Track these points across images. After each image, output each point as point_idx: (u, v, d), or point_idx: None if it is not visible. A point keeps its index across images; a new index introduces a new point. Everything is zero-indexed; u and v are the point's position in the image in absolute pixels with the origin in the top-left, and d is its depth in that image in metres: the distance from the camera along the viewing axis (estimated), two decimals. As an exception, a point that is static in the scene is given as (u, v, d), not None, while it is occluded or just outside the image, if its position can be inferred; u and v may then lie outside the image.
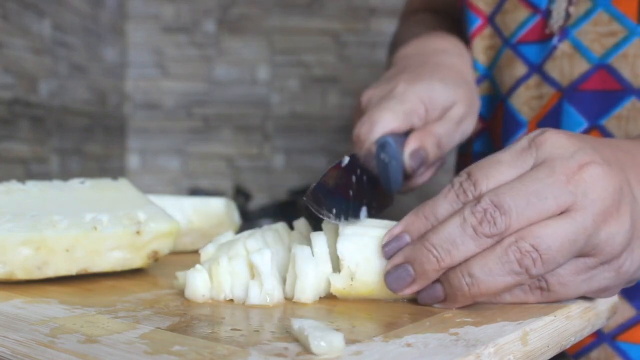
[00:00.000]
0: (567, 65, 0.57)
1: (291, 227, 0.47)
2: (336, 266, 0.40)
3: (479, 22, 0.64)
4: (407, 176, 0.54)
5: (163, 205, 0.57)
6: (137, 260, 0.49)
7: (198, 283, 0.41)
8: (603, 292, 0.40)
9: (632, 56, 0.54)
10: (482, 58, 0.65)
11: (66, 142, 1.47)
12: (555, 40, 0.58)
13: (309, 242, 0.42)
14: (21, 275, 0.44)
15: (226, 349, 0.30)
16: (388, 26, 1.64)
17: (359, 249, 0.39)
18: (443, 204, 0.38)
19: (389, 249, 0.39)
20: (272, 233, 0.44)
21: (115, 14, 1.72)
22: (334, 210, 0.41)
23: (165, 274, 0.50)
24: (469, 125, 0.59)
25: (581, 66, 0.57)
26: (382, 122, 0.51)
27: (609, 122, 0.56)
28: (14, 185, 0.49)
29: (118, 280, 0.48)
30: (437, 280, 0.38)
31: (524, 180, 0.37)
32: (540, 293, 0.39)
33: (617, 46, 0.55)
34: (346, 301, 0.40)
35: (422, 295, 0.39)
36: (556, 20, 0.57)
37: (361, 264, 0.39)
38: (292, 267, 0.40)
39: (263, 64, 1.76)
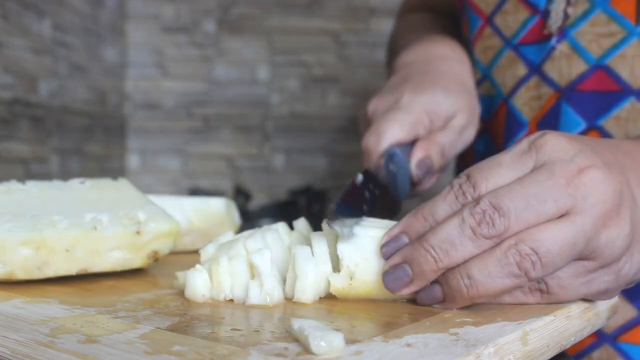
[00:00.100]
0: (565, 66, 0.57)
1: (291, 227, 0.47)
2: (336, 266, 0.40)
3: (479, 22, 0.64)
4: (414, 184, 0.56)
5: (163, 205, 0.57)
6: (137, 260, 0.49)
7: (198, 283, 0.41)
8: (602, 294, 0.40)
9: (630, 57, 0.54)
10: (482, 58, 0.65)
11: (66, 142, 1.47)
12: (553, 40, 0.58)
13: (309, 242, 0.42)
14: (21, 275, 0.44)
15: (226, 349, 0.30)
16: (388, 26, 1.64)
17: (358, 249, 0.39)
18: (442, 205, 0.38)
19: (387, 250, 0.39)
20: (272, 233, 0.44)
21: (115, 14, 1.72)
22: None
23: (165, 274, 0.50)
24: (471, 133, 0.61)
25: (579, 67, 0.57)
26: (389, 133, 0.53)
27: (608, 122, 0.56)
28: (14, 185, 0.49)
29: (118, 280, 0.48)
30: (436, 281, 0.38)
31: (524, 183, 0.37)
32: (539, 295, 0.39)
33: (615, 47, 0.55)
34: (346, 301, 0.40)
35: (421, 295, 0.39)
36: (555, 20, 0.57)
37: (360, 264, 0.39)
38: (292, 267, 0.40)
39: (263, 64, 1.76)
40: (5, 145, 1.25)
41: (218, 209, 0.63)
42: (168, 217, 0.50)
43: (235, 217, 0.65)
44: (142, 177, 1.77)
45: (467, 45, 0.69)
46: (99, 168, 1.62)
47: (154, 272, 0.52)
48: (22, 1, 1.29)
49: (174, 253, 0.57)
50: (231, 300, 0.41)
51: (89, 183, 0.52)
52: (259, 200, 1.71)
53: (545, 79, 0.59)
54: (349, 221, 0.41)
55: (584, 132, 0.57)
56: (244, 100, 1.77)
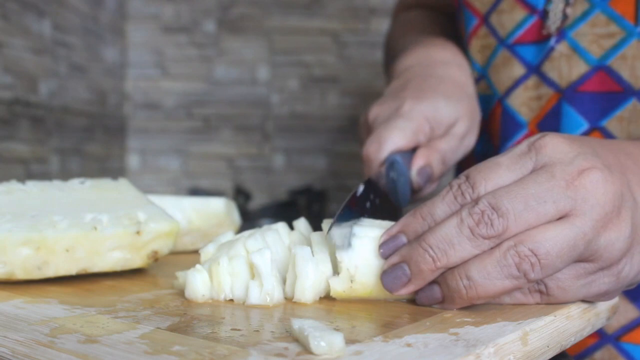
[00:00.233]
0: (565, 67, 0.57)
1: (291, 227, 0.47)
2: (336, 266, 0.40)
3: (475, 21, 0.64)
4: (414, 191, 0.56)
5: (163, 205, 0.57)
6: (137, 260, 0.49)
7: (198, 283, 0.41)
8: (602, 296, 0.40)
9: (630, 57, 0.54)
10: (477, 57, 0.65)
11: (66, 142, 1.47)
12: (552, 41, 0.58)
13: (309, 242, 0.42)
14: (21, 275, 0.44)
15: (226, 349, 0.30)
16: (388, 26, 1.64)
17: (357, 251, 0.39)
18: (441, 206, 0.38)
19: (385, 249, 0.39)
20: (272, 233, 0.44)
21: (115, 14, 1.72)
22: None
23: (165, 274, 0.50)
24: (472, 140, 0.61)
25: (580, 67, 0.57)
26: (390, 141, 0.53)
27: (610, 123, 0.56)
28: (14, 185, 0.49)
29: (118, 280, 0.48)
30: (436, 282, 0.38)
31: (523, 184, 0.37)
32: (539, 296, 0.39)
33: (615, 47, 0.55)
34: (346, 301, 0.40)
35: (420, 296, 0.39)
36: (553, 21, 0.57)
37: (360, 267, 0.39)
38: (292, 267, 0.40)
39: (263, 64, 1.76)
40: (5, 145, 1.25)
41: (218, 209, 0.63)
42: (168, 217, 0.50)
43: (235, 217, 0.65)
44: (142, 177, 1.77)
45: (462, 44, 0.69)
46: (99, 168, 1.62)
47: (154, 272, 0.52)
48: (22, 1, 1.29)
49: (174, 253, 0.57)
50: (231, 300, 0.41)
51: (89, 183, 0.52)
52: (259, 200, 1.71)
53: (545, 80, 0.59)
54: (346, 224, 0.41)
55: (586, 133, 0.57)
56: (244, 100, 1.77)
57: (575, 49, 0.57)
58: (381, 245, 0.39)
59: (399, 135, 0.53)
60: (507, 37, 0.61)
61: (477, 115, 0.62)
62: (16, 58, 1.27)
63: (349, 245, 0.39)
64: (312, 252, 0.41)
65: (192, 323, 0.35)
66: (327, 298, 0.41)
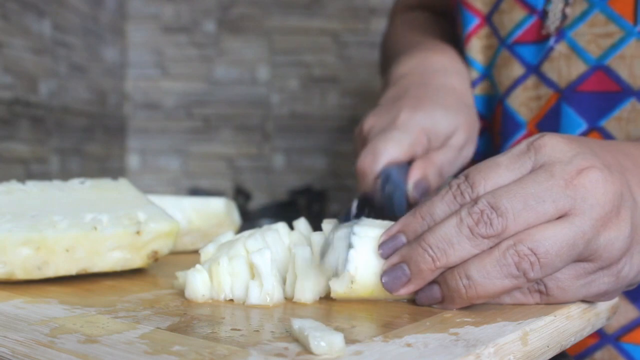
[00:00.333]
0: (564, 67, 0.57)
1: (291, 227, 0.47)
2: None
3: (475, 21, 0.64)
4: (410, 204, 0.54)
5: (163, 205, 0.57)
6: (137, 260, 0.49)
7: (198, 283, 0.41)
8: (602, 296, 0.40)
9: (629, 57, 0.54)
10: (480, 58, 0.65)
11: (66, 142, 1.47)
12: (551, 41, 0.58)
13: (309, 242, 0.42)
14: (21, 275, 0.44)
15: (226, 349, 0.30)
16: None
17: (357, 252, 0.39)
18: (440, 205, 0.38)
19: (384, 249, 0.39)
20: (272, 233, 0.44)
21: (115, 14, 1.72)
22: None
23: (165, 274, 0.50)
24: (470, 150, 0.60)
25: (578, 67, 0.56)
26: (385, 153, 0.51)
27: (609, 123, 0.56)
28: (14, 185, 0.49)
29: (118, 280, 0.48)
30: (435, 282, 0.38)
31: (522, 183, 0.37)
32: (539, 296, 0.39)
33: (614, 47, 0.55)
34: (346, 301, 0.40)
35: (420, 296, 0.39)
36: (552, 21, 0.57)
37: (360, 268, 0.39)
38: (292, 267, 0.40)
39: (263, 64, 1.76)
40: (5, 145, 1.25)
41: (218, 209, 0.63)
42: (168, 217, 0.50)
43: (235, 217, 0.65)
44: (142, 177, 1.77)
45: (459, 44, 0.68)
46: (99, 168, 1.62)
47: (154, 272, 0.52)
48: (22, 1, 1.29)
49: (174, 253, 0.57)
50: (231, 300, 0.41)
51: (89, 183, 0.52)
52: (259, 200, 1.71)
53: (544, 80, 0.59)
54: (345, 225, 0.41)
55: (585, 133, 0.57)
56: (244, 100, 1.77)
57: (574, 48, 0.57)
58: (381, 245, 0.39)
59: (395, 148, 0.52)
60: (507, 37, 0.61)
61: (475, 126, 0.60)
62: (16, 58, 1.27)
63: (345, 270, 0.39)
64: (312, 252, 0.41)
65: (192, 323, 0.35)
66: (327, 298, 0.41)
